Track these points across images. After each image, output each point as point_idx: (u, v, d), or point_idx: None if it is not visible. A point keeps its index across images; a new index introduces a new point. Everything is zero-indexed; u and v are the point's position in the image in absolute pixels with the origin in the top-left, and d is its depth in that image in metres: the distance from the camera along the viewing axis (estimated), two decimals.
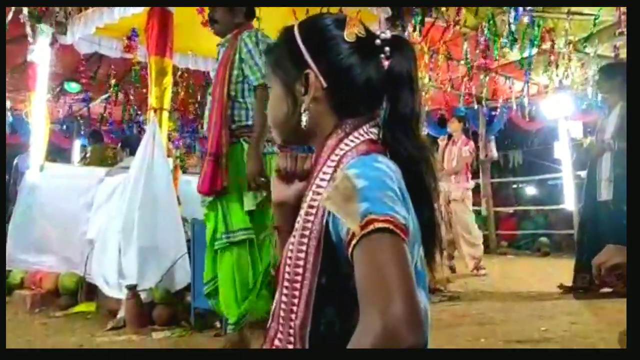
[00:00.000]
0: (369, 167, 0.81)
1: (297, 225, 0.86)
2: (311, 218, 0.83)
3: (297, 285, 0.82)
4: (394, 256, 0.73)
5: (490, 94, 7.72)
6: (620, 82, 4.13)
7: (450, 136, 6.30)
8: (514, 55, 6.13)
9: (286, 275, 0.84)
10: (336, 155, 0.89)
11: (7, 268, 4.38)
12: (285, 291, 0.84)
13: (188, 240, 3.74)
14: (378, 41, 0.92)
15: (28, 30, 4.74)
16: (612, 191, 4.09)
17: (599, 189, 4.21)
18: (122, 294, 3.53)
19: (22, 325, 3.53)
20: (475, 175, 8.06)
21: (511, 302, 4.18)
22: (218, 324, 3.37)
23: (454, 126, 6.22)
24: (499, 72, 7.01)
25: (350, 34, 0.92)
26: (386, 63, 0.91)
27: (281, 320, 0.85)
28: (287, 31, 0.98)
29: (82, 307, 3.95)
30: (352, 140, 0.90)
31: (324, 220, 0.81)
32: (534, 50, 5.84)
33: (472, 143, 6.13)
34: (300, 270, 0.82)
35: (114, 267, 3.68)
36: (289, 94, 0.96)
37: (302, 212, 0.86)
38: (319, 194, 0.84)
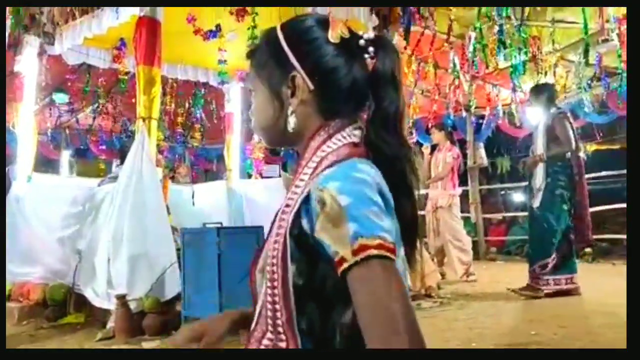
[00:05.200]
0: (350, 179, 0.80)
1: (275, 225, 0.87)
2: (285, 217, 0.84)
3: (276, 284, 0.83)
4: (392, 286, 0.74)
5: (478, 102, 7.80)
6: (544, 101, 4.73)
7: (435, 146, 6.37)
8: (502, 63, 6.21)
9: (267, 275, 0.85)
10: (317, 157, 0.90)
11: None
12: (269, 291, 0.85)
13: (178, 249, 3.73)
14: (362, 41, 0.93)
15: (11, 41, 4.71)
16: (540, 199, 4.58)
17: (534, 197, 4.68)
18: (112, 304, 3.50)
19: (11, 338, 3.48)
20: (463, 182, 8.10)
21: (501, 307, 4.20)
22: None
23: (436, 136, 6.30)
24: (486, 80, 7.09)
25: (334, 34, 0.92)
26: (371, 63, 0.92)
27: (269, 320, 0.85)
28: (270, 33, 0.98)
29: (71, 318, 3.90)
30: (334, 143, 0.90)
31: (292, 218, 0.82)
32: (523, 57, 5.92)
33: (455, 148, 6.19)
34: (276, 268, 0.83)
35: (103, 276, 3.66)
36: (275, 96, 0.95)
37: (278, 211, 0.87)
38: (295, 193, 0.86)
